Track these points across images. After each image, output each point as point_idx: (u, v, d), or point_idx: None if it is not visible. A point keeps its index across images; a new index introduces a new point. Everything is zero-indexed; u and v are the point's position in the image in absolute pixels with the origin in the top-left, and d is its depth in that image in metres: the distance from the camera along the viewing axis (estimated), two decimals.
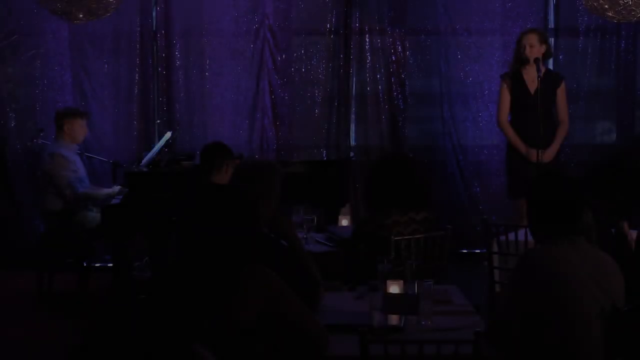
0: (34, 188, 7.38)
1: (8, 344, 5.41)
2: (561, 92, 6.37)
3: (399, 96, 7.60)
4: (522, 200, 6.26)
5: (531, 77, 6.30)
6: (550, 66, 7.45)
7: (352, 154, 7.52)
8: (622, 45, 7.54)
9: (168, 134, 6.83)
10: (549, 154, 6.23)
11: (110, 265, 6.90)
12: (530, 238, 3.52)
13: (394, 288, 3.29)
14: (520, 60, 6.29)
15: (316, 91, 7.66)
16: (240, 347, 2.71)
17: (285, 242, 3.55)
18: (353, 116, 7.72)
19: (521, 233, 4.88)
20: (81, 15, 5.84)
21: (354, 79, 7.67)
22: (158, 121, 7.57)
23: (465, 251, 7.52)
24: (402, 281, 3.37)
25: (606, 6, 5.81)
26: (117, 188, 6.50)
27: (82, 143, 6.69)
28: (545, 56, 6.31)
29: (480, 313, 3.81)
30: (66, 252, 6.53)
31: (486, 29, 7.56)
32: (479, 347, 2.71)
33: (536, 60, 6.16)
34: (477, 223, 7.29)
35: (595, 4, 5.88)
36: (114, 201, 6.32)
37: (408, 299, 3.21)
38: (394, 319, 3.19)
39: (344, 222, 5.42)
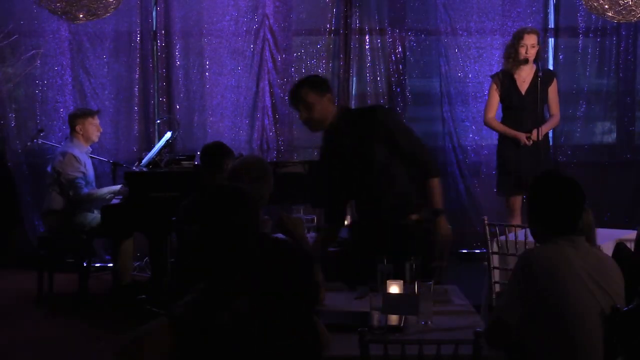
0: (34, 188, 7.39)
1: (8, 344, 5.41)
2: (553, 90, 6.38)
3: (399, 96, 7.60)
4: (512, 197, 6.31)
5: (522, 77, 6.30)
6: (551, 66, 7.46)
7: None
8: (622, 45, 7.54)
9: (168, 134, 6.83)
10: (536, 134, 6.21)
11: (110, 265, 6.91)
12: (530, 238, 3.52)
13: (394, 288, 3.29)
14: (518, 60, 6.28)
15: None
16: (241, 348, 2.70)
17: (292, 241, 3.55)
18: None
19: (521, 233, 4.88)
20: (81, 15, 5.84)
21: (354, 78, 7.68)
22: (158, 121, 7.57)
23: (465, 251, 7.52)
24: (402, 281, 3.37)
25: (606, 6, 5.81)
26: (117, 187, 6.51)
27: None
28: (538, 57, 6.31)
29: (480, 313, 3.82)
30: (66, 252, 6.54)
31: (486, 29, 7.56)
32: (479, 347, 2.71)
33: (536, 60, 6.16)
34: (477, 223, 7.29)
35: (595, 4, 5.88)
36: (114, 201, 6.33)
37: (408, 299, 3.21)
38: (394, 319, 3.19)
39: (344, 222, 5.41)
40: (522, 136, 6.23)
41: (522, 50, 6.23)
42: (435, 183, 4.17)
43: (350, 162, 4.16)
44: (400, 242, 4.03)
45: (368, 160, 4.13)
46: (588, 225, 3.54)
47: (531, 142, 6.17)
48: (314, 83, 4.20)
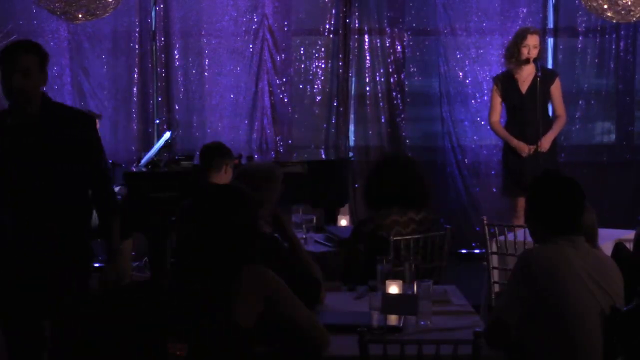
0: None
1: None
2: (555, 89, 6.34)
3: (398, 96, 7.60)
4: (517, 198, 6.29)
5: (523, 77, 6.28)
6: (550, 66, 7.46)
7: (351, 154, 7.52)
8: (622, 45, 7.55)
9: (167, 134, 6.83)
10: (544, 144, 6.20)
11: None
12: (530, 238, 3.52)
13: (393, 288, 3.29)
14: (519, 60, 6.27)
15: (315, 91, 7.66)
16: (240, 348, 2.70)
17: (286, 240, 3.55)
18: (352, 116, 7.73)
19: (520, 233, 4.88)
20: (80, 15, 5.84)
21: (353, 79, 7.68)
22: (157, 121, 7.57)
23: (465, 251, 7.52)
24: (401, 281, 3.37)
25: (605, 6, 5.81)
26: (116, 188, 6.50)
27: None
28: (538, 57, 6.30)
29: (479, 313, 3.82)
30: None
31: (485, 29, 7.56)
32: (478, 347, 2.71)
33: (535, 60, 6.15)
34: (477, 223, 7.30)
35: (594, 4, 5.88)
36: None
37: (407, 299, 3.21)
38: (393, 319, 3.19)
39: (343, 222, 5.42)
40: (524, 148, 6.21)
41: (525, 51, 6.20)
42: (117, 219, 3.93)
43: (29, 156, 3.71)
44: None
45: (52, 161, 3.72)
46: (592, 225, 3.53)
47: (533, 152, 6.15)
48: (42, 54, 3.96)
